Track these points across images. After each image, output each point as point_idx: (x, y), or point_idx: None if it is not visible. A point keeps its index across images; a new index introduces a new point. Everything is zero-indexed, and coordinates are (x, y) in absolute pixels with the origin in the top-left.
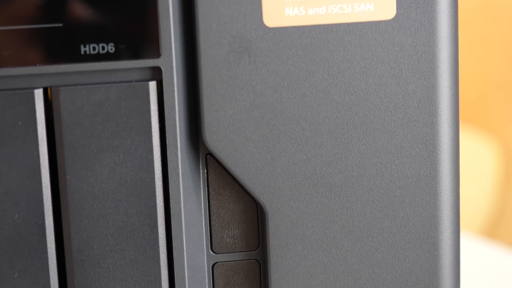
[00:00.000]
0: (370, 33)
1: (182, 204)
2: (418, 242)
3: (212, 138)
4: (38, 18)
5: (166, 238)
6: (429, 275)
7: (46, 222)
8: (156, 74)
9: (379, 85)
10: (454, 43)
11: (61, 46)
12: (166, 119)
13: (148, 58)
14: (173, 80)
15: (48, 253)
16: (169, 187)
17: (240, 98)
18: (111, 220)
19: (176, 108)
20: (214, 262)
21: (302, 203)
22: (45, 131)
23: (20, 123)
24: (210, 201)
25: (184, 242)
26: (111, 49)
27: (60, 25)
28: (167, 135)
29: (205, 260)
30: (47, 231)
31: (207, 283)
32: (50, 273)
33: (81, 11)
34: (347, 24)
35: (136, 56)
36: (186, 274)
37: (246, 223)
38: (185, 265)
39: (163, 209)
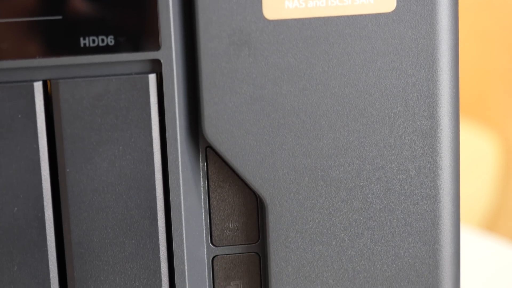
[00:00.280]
0: (370, 26)
1: (182, 197)
2: (418, 235)
3: (212, 131)
4: (37, 11)
5: (166, 231)
6: (429, 268)
7: (46, 215)
8: (156, 66)
9: (379, 77)
10: (455, 36)
11: (60, 38)
12: (165, 112)
13: (148, 51)
14: (172, 72)
15: (48, 246)
16: (169, 180)
17: (240, 91)
18: (110, 213)
19: (176, 101)
20: (214, 255)
21: (302, 196)
22: (45, 124)
23: (19, 116)
24: (210, 194)
25: (184, 235)
26: (111, 41)
27: (60, 17)
28: (166, 128)
29: (205, 253)
30: (46, 224)
31: (207, 276)
32: (50, 266)
33: (80, 3)
34: (347, 16)
35: (135, 48)
36: (186, 267)
37: (246, 216)
38: (185, 258)
39: (163, 202)
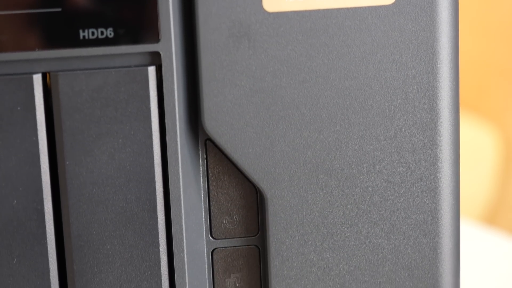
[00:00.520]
0: (370, 18)
1: (181, 190)
2: (418, 227)
3: (212, 123)
4: (36, 3)
5: (166, 224)
6: (429, 261)
7: (45, 207)
8: (155, 59)
9: (379, 70)
10: (455, 29)
11: (59, 31)
12: (165, 105)
13: (147, 43)
14: (172, 65)
15: (47, 239)
16: (169, 173)
17: (239, 83)
18: (110, 205)
19: (175, 93)
20: (214, 247)
21: (301, 189)
22: (44, 116)
23: (18, 108)
24: (210, 186)
25: (184, 228)
26: (110, 34)
27: (59, 9)
28: (166, 120)
29: (205, 245)
30: (46, 217)
31: (206, 269)
32: (49, 259)
33: None
34: (347, 9)
35: (135, 41)
36: (185, 260)
37: (245, 208)
38: (185, 250)
39: (163, 195)
